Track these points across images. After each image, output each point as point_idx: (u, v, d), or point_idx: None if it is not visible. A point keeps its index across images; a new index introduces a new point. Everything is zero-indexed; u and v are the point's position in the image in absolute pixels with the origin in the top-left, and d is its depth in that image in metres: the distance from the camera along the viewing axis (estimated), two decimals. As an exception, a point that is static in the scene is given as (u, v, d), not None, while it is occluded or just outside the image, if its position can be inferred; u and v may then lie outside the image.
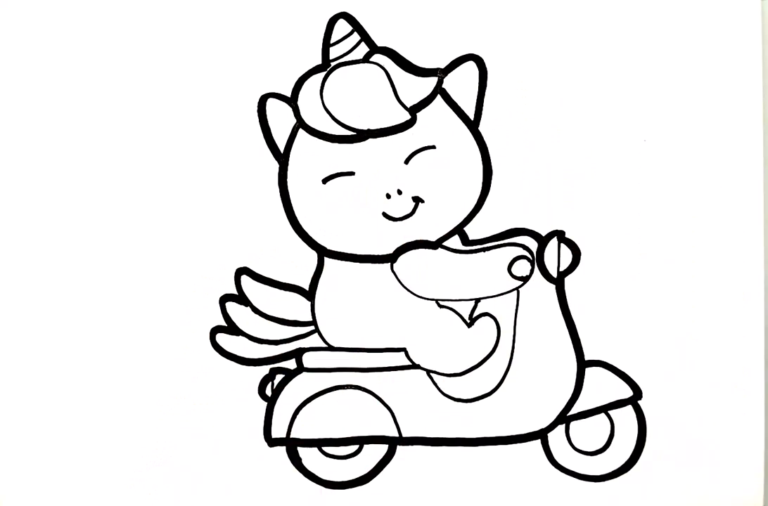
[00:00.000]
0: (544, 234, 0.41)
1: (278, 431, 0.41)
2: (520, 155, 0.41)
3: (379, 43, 0.41)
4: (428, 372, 0.41)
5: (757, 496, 0.40)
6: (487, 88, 0.41)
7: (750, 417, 0.41)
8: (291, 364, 0.41)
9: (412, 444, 0.41)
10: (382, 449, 0.41)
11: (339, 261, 0.41)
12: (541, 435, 0.41)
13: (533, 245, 0.41)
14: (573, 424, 0.41)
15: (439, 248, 0.41)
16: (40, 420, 0.41)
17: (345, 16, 0.41)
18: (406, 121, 0.41)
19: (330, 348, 0.41)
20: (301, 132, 0.41)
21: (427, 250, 0.41)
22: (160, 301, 0.41)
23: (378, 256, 0.41)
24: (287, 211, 0.41)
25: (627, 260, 0.41)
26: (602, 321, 0.41)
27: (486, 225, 0.41)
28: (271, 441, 0.41)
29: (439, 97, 0.41)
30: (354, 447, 0.41)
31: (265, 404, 0.41)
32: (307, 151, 0.41)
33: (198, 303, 0.41)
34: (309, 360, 0.41)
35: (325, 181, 0.41)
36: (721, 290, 0.41)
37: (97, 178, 0.41)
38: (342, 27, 0.41)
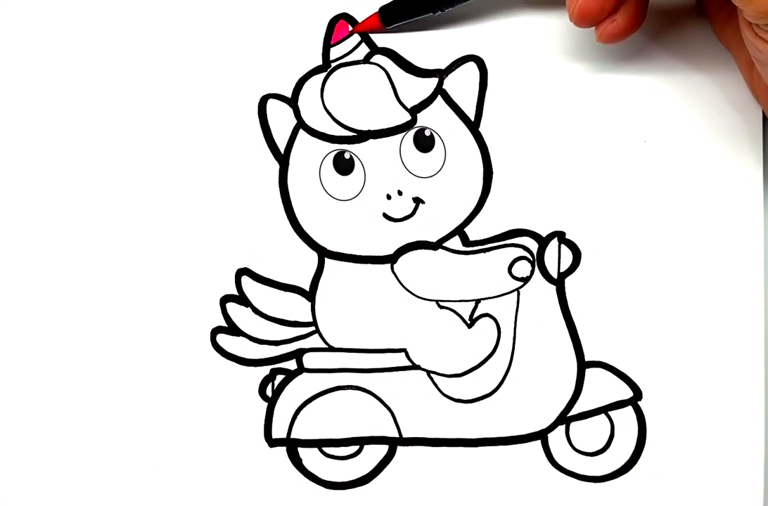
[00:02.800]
0: (544, 235, 0.41)
1: (279, 431, 0.41)
2: (520, 156, 0.41)
3: (380, 44, 0.41)
4: (428, 372, 0.41)
5: (757, 497, 0.40)
6: (488, 88, 0.41)
7: (750, 418, 0.41)
8: (291, 365, 0.41)
9: (412, 444, 0.41)
10: (383, 449, 0.41)
11: (339, 262, 0.41)
12: (542, 435, 0.41)
13: (534, 246, 0.41)
14: (573, 425, 0.41)
15: (440, 249, 0.41)
16: (38, 420, 0.41)
17: (345, 16, 0.41)
18: (407, 122, 0.41)
19: (330, 348, 0.41)
20: (301, 132, 0.41)
21: (427, 250, 0.41)
22: (160, 301, 0.41)
23: (378, 257, 0.41)
24: (287, 211, 0.41)
25: (627, 261, 0.41)
26: (602, 322, 0.41)
27: (486, 226, 0.41)
28: (272, 442, 0.41)
29: (439, 97, 0.41)
30: (354, 448, 0.41)
31: (265, 404, 0.41)
32: (307, 152, 0.41)
33: (198, 304, 0.41)
34: (309, 360, 0.41)
35: (325, 181, 0.41)
36: (721, 290, 0.41)
37: (97, 179, 0.41)
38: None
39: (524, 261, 0.41)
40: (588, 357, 0.41)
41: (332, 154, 0.41)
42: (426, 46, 0.41)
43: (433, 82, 0.41)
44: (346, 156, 0.41)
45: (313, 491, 0.41)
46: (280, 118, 0.41)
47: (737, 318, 0.41)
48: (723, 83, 0.41)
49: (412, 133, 0.41)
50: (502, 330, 0.41)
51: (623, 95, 0.41)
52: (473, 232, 0.41)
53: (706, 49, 0.41)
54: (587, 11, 0.37)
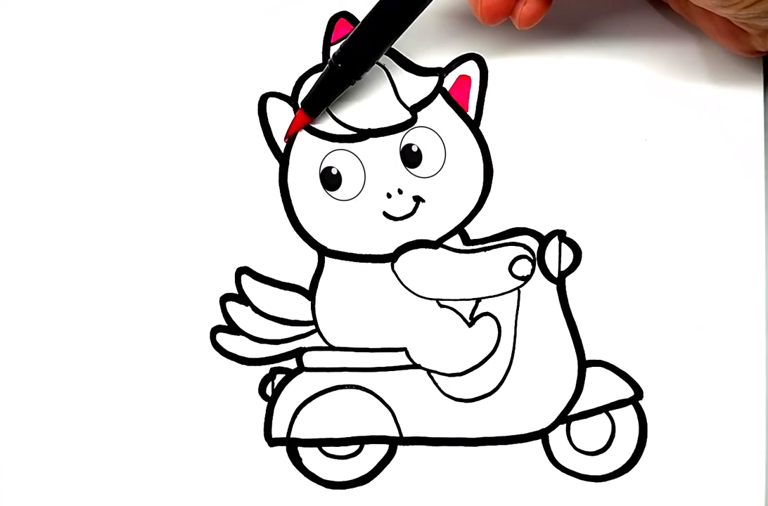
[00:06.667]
0: (545, 233, 0.41)
1: (278, 431, 0.41)
2: (520, 154, 0.41)
3: (380, 43, 0.41)
4: (429, 372, 0.41)
5: (757, 497, 0.40)
6: (488, 87, 0.41)
7: (751, 417, 0.40)
8: (291, 364, 0.41)
9: (412, 443, 0.41)
10: (383, 449, 0.41)
11: (339, 261, 0.41)
12: (542, 435, 0.41)
13: (534, 245, 0.41)
14: (574, 424, 0.41)
15: (440, 248, 0.41)
16: (37, 420, 0.41)
17: (346, 15, 0.41)
18: (407, 121, 0.41)
19: (330, 347, 0.41)
20: (301, 131, 0.41)
21: (427, 249, 0.41)
22: (160, 300, 0.41)
23: (378, 256, 0.41)
24: (288, 210, 0.41)
25: (628, 259, 0.41)
26: (603, 321, 0.41)
27: (487, 224, 0.41)
28: (272, 441, 0.41)
29: (439, 96, 0.41)
30: (354, 447, 0.41)
31: (265, 404, 0.41)
32: (307, 151, 0.41)
33: (198, 303, 0.41)
34: (309, 359, 0.41)
35: (325, 180, 0.41)
36: (723, 289, 0.41)
37: (97, 179, 0.41)
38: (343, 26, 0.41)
39: (525, 260, 0.41)
40: (589, 356, 0.41)
41: (322, 168, 0.41)
42: (426, 44, 0.41)
43: (434, 80, 0.41)
44: (333, 172, 0.41)
45: (313, 491, 0.41)
46: (281, 117, 0.41)
47: (738, 317, 0.41)
48: (724, 82, 0.41)
49: (403, 144, 0.41)
50: (502, 329, 0.41)
51: (624, 94, 0.41)
52: (474, 230, 0.41)
53: (708, 48, 0.41)
54: (494, 8, 0.37)
